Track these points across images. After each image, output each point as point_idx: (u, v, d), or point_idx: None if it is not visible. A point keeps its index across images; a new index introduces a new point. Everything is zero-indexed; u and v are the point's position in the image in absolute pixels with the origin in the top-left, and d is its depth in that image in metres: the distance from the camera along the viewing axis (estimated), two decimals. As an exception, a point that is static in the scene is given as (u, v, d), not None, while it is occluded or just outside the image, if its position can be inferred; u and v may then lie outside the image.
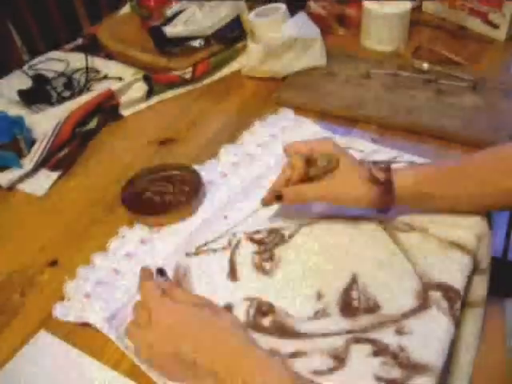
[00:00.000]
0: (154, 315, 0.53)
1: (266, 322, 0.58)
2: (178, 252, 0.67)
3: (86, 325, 0.59)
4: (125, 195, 0.74)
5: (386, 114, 0.86)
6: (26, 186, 0.81)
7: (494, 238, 0.69)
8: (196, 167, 0.78)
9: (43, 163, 0.84)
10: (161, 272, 0.61)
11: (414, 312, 0.57)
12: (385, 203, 0.63)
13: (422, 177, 0.63)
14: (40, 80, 1.00)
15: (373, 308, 0.58)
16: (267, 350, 0.54)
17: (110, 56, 1.08)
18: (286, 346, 0.55)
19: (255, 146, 0.83)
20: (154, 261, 0.65)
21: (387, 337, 0.55)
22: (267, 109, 0.91)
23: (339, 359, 0.54)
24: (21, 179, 0.82)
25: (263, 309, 0.59)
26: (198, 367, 0.50)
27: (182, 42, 1.01)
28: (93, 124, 0.91)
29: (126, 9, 1.21)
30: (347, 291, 0.60)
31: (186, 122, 0.92)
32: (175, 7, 1.05)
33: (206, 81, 1.02)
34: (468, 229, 0.65)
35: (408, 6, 1.02)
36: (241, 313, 0.59)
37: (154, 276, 0.60)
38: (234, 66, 1.04)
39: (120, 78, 1.00)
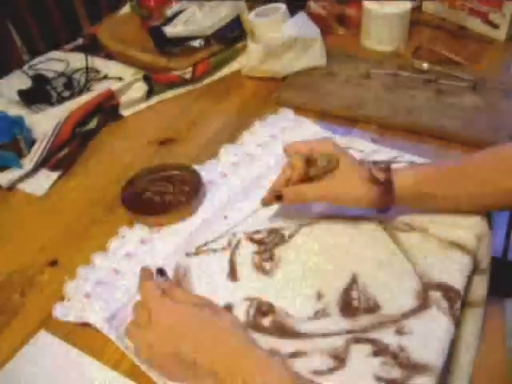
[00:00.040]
0: (153, 315, 0.53)
1: (266, 322, 0.58)
2: (178, 252, 0.67)
3: (86, 325, 0.59)
4: (125, 195, 0.74)
5: (385, 114, 0.87)
6: (26, 186, 0.81)
7: (494, 238, 0.69)
8: (196, 167, 0.78)
9: (43, 163, 0.84)
10: (161, 272, 0.61)
11: (414, 312, 0.57)
12: (385, 203, 0.63)
13: (422, 177, 0.63)
14: (40, 80, 1.00)
15: (373, 308, 0.58)
16: (267, 350, 0.54)
17: (110, 56, 1.08)
18: (286, 346, 0.55)
19: (255, 146, 0.83)
20: (154, 261, 0.65)
21: (387, 337, 0.55)
22: (267, 109, 0.91)
23: (339, 359, 0.54)
24: (21, 179, 0.82)
25: (263, 309, 0.59)
26: (198, 367, 0.50)
27: (182, 41, 1.01)
28: (93, 124, 0.91)
29: (126, 9, 1.21)
30: (347, 291, 0.60)
31: (186, 122, 0.92)
32: (175, 7, 1.05)
33: (206, 81, 1.02)
34: (468, 229, 0.65)
35: (408, 5, 1.02)
36: (241, 313, 0.59)
37: (153, 276, 0.60)
38: (233, 66, 1.04)
39: (120, 78, 1.00)
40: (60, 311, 0.61)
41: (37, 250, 0.70)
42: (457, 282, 0.60)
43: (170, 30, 1.00)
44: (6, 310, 0.63)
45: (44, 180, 0.82)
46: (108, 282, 0.64)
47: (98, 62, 1.07)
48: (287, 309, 0.59)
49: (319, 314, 0.58)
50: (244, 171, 0.79)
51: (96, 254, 0.68)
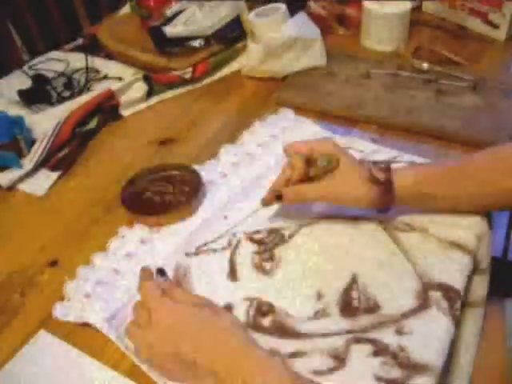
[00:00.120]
0: (153, 315, 0.53)
1: (266, 322, 0.58)
2: (178, 252, 0.67)
3: (86, 325, 0.59)
4: (125, 195, 0.74)
5: (386, 114, 0.86)
6: (26, 186, 0.81)
7: (494, 238, 0.69)
8: (196, 167, 0.78)
9: (43, 163, 0.84)
10: (161, 272, 0.61)
11: (414, 312, 0.57)
12: (385, 203, 0.63)
13: (422, 177, 0.63)
14: (40, 80, 1.00)
15: (373, 308, 0.58)
16: (267, 350, 0.54)
17: (109, 56, 1.08)
18: (286, 346, 0.55)
19: (255, 145, 0.83)
20: (153, 261, 0.65)
21: (387, 337, 0.55)
22: (267, 109, 0.91)
23: (339, 359, 0.54)
24: (21, 179, 0.82)
25: (263, 309, 0.59)
26: (198, 367, 0.50)
27: (181, 42, 1.01)
28: (93, 124, 0.91)
29: (125, 9, 1.21)
30: (347, 291, 0.60)
31: (186, 122, 0.92)
32: (175, 7, 1.05)
33: (206, 81, 1.02)
34: (468, 229, 0.65)
35: (408, 6, 1.02)
36: (241, 313, 0.59)
37: (153, 276, 0.60)
38: (233, 66, 1.04)
39: (120, 78, 1.00)
40: (60, 311, 0.61)
41: (37, 249, 0.70)
42: (457, 281, 0.60)
43: (170, 30, 1.00)
44: (6, 310, 0.63)
45: (44, 180, 0.82)
46: (108, 282, 0.64)
47: (98, 62, 1.07)
48: (287, 309, 0.59)
49: (319, 314, 0.58)
50: (244, 171, 0.79)
51: (96, 254, 0.68)
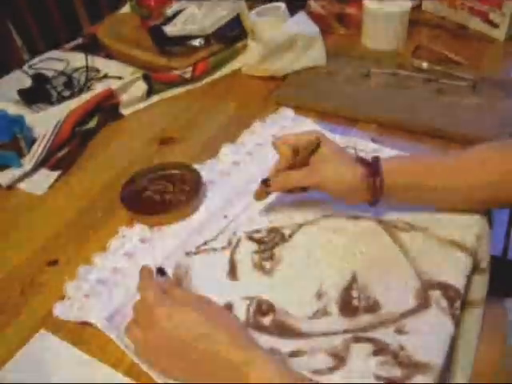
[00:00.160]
0: (153, 315, 0.53)
1: (266, 321, 0.58)
2: (178, 251, 0.67)
3: (86, 324, 0.59)
4: (125, 194, 0.74)
5: (385, 113, 0.86)
6: (26, 186, 0.81)
7: (494, 236, 0.69)
8: (196, 166, 0.78)
9: (43, 162, 0.84)
10: (161, 271, 0.61)
11: (413, 311, 0.57)
12: (373, 186, 0.62)
13: (410, 162, 0.64)
14: (40, 79, 1.00)
15: (373, 307, 0.58)
16: (267, 349, 0.54)
17: (109, 55, 1.08)
18: (286, 345, 0.55)
19: (255, 145, 0.83)
20: (154, 260, 0.65)
21: (387, 336, 0.55)
22: (267, 108, 0.91)
23: (339, 358, 0.54)
24: (21, 178, 0.82)
25: (263, 308, 0.59)
26: (198, 366, 0.50)
27: (181, 41, 1.01)
28: (93, 123, 0.91)
29: (125, 8, 1.21)
30: (347, 290, 0.60)
31: (186, 121, 0.92)
32: (175, 6, 1.05)
33: (206, 80, 1.02)
34: (468, 228, 0.65)
35: (408, 5, 1.02)
36: (241, 312, 0.59)
37: (154, 275, 0.60)
38: (234, 66, 1.04)
39: (120, 77, 1.00)
40: (60, 310, 0.61)
41: (37, 249, 0.70)
42: (457, 281, 0.60)
43: (170, 30, 1.00)
44: (6, 310, 0.63)
45: (44, 179, 0.82)
46: (108, 281, 0.64)
47: (98, 62, 1.07)
48: (287, 308, 0.59)
49: (319, 314, 0.58)
50: (244, 170, 0.79)
51: (96, 254, 0.68)
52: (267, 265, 0.64)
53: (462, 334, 0.68)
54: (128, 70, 1.03)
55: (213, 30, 1.01)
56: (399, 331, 0.56)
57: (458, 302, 0.58)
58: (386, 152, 0.77)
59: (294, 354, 0.55)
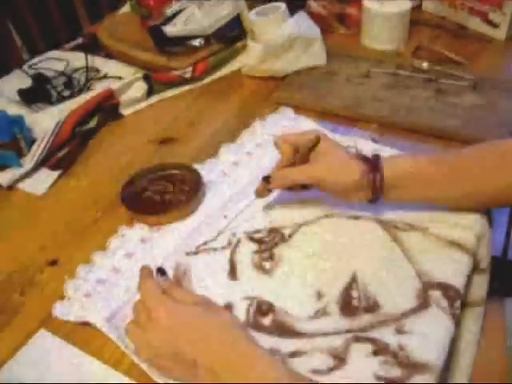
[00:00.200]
0: (153, 314, 0.53)
1: (266, 321, 0.58)
2: (178, 251, 0.67)
3: (86, 324, 0.59)
4: (125, 194, 0.74)
5: (386, 113, 0.86)
6: (26, 186, 0.81)
7: (494, 236, 0.69)
8: (196, 166, 0.78)
9: (43, 162, 0.84)
10: (161, 271, 0.61)
11: (414, 311, 0.57)
12: (373, 182, 0.62)
13: (411, 161, 0.64)
14: (40, 79, 1.00)
15: (373, 307, 0.58)
16: (267, 350, 0.54)
17: (109, 55, 1.08)
18: (286, 345, 0.55)
19: (255, 145, 0.83)
20: (153, 260, 0.65)
21: (387, 336, 0.55)
22: (267, 108, 0.91)
23: (339, 358, 0.54)
24: (21, 178, 0.82)
25: (263, 308, 0.59)
26: (198, 366, 0.50)
27: (181, 41, 1.01)
28: (93, 123, 0.91)
29: (125, 8, 1.21)
30: (347, 290, 0.60)
31: (186, 121, 0.92)
32: (175, 6, 1.05)
33: (206, 80, 1.02)
34: (468, 228, 0.65)
35: (408, 5, 1.02)
36: (241, 312, 0.59)
37: (153, 275, 0.60)
38: (233, 65, 1.04)
39: (120, 78, 1.00)
40: (60, 310, 0.61)
41: (37, 249, 0.70)
42: (457, 281, 0.60)
43: (170, 30, 1.00)
44: (6, 310, 0.63)
45: (44, 179, 0.82)
46: (108, 281, 0.64)
47: (98, 62, 1.07)
48: (287, 308, 0.59)
49: (319, 314, 0.58)
50: (244, 170, 0.79)
51: (96, 253, 0.68)
52: (267, 265, 0.64)
53: (462, 334, 0.69)
54: (128, 70, 1.03)
55: (213, 30, 1.01)
56: (399, 331, 0.56)
57: (458, 301, 0.58)
58: (386, 152, 0.77)
59: (294, 354, 0.55)
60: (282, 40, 0.95)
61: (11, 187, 0.81)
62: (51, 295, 0.63)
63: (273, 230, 0.68)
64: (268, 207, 0.71)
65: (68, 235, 0.72)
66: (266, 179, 0.66)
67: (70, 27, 1.55)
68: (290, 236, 0.67)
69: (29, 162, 0.83)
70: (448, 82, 0.92)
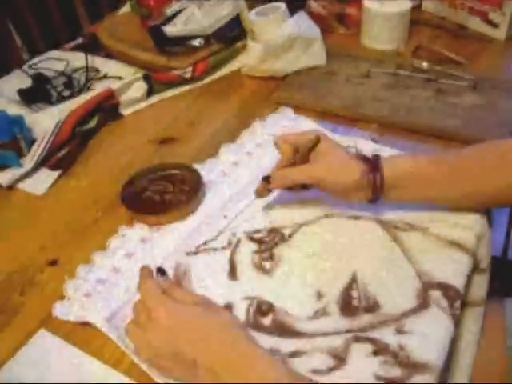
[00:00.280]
0: (153, 314, 0.53)
1: (266, 321, 0.58)
2: (178, 251, 0.67)
3: (86, 324, 0.59)
4: (125, 194, 0.74)
5: (386, 113, 0.86)
6: (26, 186, 0.81)
7: (494, 236, 0.69)
8: (196, 166, 0.78)
9: (43, 162, 0.84)
10: (161, 271, 0.61)
11: (414, 311, 0.57)
12: (373, 182, 0.62)
13: (411, 160, 0.64)
14: (40, 79, 1.00)
15: (373, 307, 0.58)
16: (267, 350, 0.54)
17: (109, 55, 1.08)
18: (286, 345, 0.55)
19: (255, 145, 0.83)
20: (153, 260, 0.65)
21: (387, 336, 0.55)
22: (267, 108, 0.91)
23: (339, 358, 0.54)
24: (21, 178, 0.82)
25: (263, 308, 0.59)
26: (198, 366, 0.50)
27: (181, 41, 1.01)
28: (93, 123, 0.91)
29: (125, 8, 1.21)
30: (347, 290, 0.60)
31: (186, 121, 0.92)
32: (175, 6, 1.05)
33: (206, 80, 1.02)
34: (468, 228, 0.65)
35: (408, 5, 1.02)
36: (241, 312, 0.59)
37: (153, 275, 0.60)
38: (233, 65, 1.04)
39: (120, 78, 1.00)
40: (60, 310, 0.61)
41: (37, 249, 0.70)
42: (457, 281, 0.60)
43: (170, 30, 1.00)
44: (5, 310, 0.63)
45: (44, 179, 0.82)
46: (108, 281, 0.64)
47: (98, 61, 1.07)
48: (287, 308, 0.59)
49: (319, 314, 0.58)
50: (244, 170, 0.79)
51: (96, 253, 0.68)
52: (267, 265, 0.64)
53: (462, 334, 0.69)
54: (128, 70, 1.03)
55: (213, 30, 1.01)
56: (399, 331, 0.56)
57: (458, 301, 0.58)
58: (386, 152, 0.77)
59: (294, 354, 0.55)
60: (282, 40, 0.95)
61: (11, 187, 0.81)
62: (51, 295, 0.63)
63: (273, 230, 0.68)
64: (268, 207, 0.71)
65: (68, 235, 0.72)
66: (266, 179, 0.66)
67: (69, 27, 1.55)
68: (290, 236, 0.67)
69: (29, 162, 0.83)
70: (448, 82, 0.92)
